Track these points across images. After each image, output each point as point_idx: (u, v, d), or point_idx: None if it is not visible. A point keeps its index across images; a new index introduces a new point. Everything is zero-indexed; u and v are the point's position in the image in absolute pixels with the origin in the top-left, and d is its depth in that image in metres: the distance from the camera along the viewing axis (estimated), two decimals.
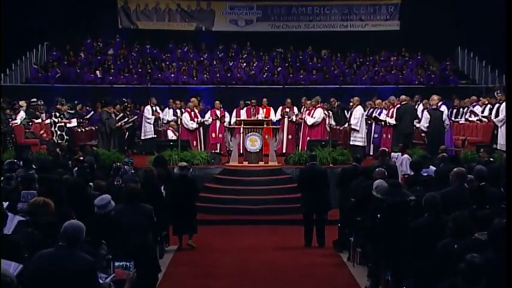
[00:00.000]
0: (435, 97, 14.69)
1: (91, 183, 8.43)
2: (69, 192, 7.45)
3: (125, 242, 6.41)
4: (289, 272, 9.36)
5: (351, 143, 15.84)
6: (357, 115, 15.88)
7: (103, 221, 6.42)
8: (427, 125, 14.18)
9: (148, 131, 17.73)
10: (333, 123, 16.39)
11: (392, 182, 7.75)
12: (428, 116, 14.24)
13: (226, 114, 17.48)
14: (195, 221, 10.65)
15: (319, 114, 16.20)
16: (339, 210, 10.47)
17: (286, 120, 17.23)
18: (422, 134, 14.51)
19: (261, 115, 16.90)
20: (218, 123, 17.04)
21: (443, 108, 14.78)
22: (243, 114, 17.12)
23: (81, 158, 12.25)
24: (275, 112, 17.42)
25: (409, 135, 15.13)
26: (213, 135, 17.01)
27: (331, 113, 16.69)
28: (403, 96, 16.00)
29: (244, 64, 23.61)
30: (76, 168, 9.99)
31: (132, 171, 10.76)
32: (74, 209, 6.69)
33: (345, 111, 17.53)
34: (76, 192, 7.47)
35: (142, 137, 17.77)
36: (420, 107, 16.35)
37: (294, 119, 17.01)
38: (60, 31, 23.35)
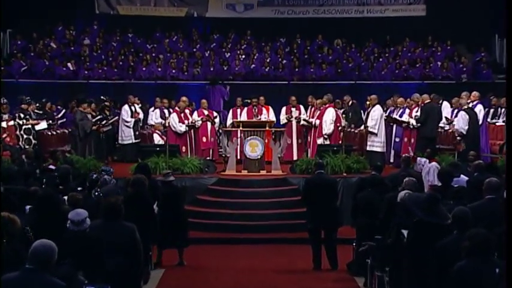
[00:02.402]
0: (476, 94, 14.68)
1: (65, 197, 8.45)
2: (39, 207, 7.48)
3: (102, 264, 6.43)
4: None
5: (368, 148, 15.84)
6: (375, 116, 15.86)
7: (77, 240, 6.43)
8: (467, 127, 14.13)
9: (126, 136, 17.63)
10: (343, 124, 16.13)
11: (431, 195, 7.60)
12: (467, 117, 14.20)
13: (215, 114, 17.49)
14: (185, 233, 10.88)
15: (331, 116, 16.17)
16: (356, 227, 10.46)
17: (294, 122, 17.15)
18: (458, 138, 14.36)
19: (264, 116, 16.83)
20: (209, 125, 17.04)
21: (480, 107, 14.74)
22: (243, 115, 17.10)
23: (52, 166, 12.30)
24: (276, 112, 17.35)
25: (433, 139, 15.15)
26: (204, 139, 17.00)
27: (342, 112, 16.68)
28: (425, 95, 16.02)
29: (243, 56, 23.65)
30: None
31: (113, 181, 10.78)
32: (45, 226, 6.72)
33: (361, 112, 17.54)
34: (45, 206, 7.49)
35: (120, 142, 17.75)
36: (446, 105, 16.28)
37: (301, 122, 16.90)
38: (26, 16, 23.32)
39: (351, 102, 17.87)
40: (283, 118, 17.24)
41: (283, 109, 17.41)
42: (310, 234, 10.84)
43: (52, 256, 4.95)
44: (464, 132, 14.20)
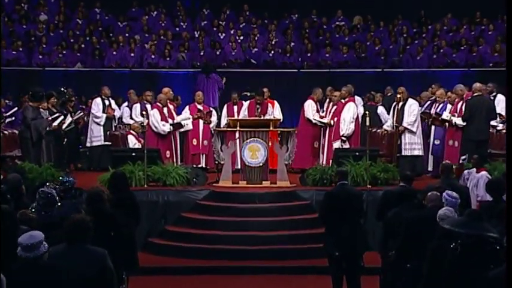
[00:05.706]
0: None
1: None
2: None
3: None
4: None
5: (405, 152, 15.74)
6: (414, 110, 15.79)
7: (30, 270, 6.44)
8: None
9: (96, 136, 17.71)
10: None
11: (470, 211, 7.67)
12: None
13: (213, 111, 17.52)
14: None
15: (351, 113, 16.18)
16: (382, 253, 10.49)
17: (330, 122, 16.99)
18: None
19: (269, 114, 16.76)
20: (202, 124, 17.07)
21: None
22: (243, 112, 17.08)
23: None
24: (282, 108, 17.32)
25: (483, 142, 15.14)
26: (195, 142, 17.05)
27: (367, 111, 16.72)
28: (477, 84, 15.96)
29: (241, 38, 23.73)
30: None
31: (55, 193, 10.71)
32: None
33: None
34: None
35: (88, 144, 17.81)
36: (501, 99, 16.31)
37: (332, 123, 16.75)
38: None
39: (389, 94, 17.97)
40: (312, 114, 16.95)
41: (311, 104, 17.06)
42: (331, 261, 10.83)
43: None
44: None
